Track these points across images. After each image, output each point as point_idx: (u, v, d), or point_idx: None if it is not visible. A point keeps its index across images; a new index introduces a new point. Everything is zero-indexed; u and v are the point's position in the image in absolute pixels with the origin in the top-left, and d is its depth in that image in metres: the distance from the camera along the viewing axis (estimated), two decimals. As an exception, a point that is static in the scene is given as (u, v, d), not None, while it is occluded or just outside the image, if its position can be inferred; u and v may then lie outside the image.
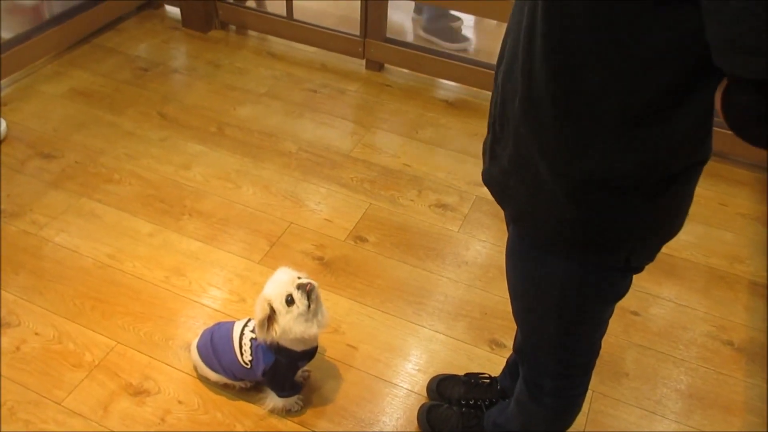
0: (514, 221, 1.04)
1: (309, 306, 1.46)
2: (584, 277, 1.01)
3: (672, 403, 1.74)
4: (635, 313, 1.95)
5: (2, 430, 1.58)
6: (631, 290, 1.97)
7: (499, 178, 1.02)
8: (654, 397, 1.75)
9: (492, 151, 1.03)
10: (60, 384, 1.69)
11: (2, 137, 2.44)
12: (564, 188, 0.89)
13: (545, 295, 1.07)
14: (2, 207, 2.18)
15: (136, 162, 2.40)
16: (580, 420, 1.68)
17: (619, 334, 1.90)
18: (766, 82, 0.62)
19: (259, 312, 1.46)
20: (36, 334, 1.80)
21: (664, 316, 1.96)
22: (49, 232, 2.11)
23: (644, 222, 0.92)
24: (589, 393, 1.74)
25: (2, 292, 1.90)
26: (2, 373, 1.70)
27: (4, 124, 2.46)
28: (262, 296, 1.48)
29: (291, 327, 1.46)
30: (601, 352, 1.84)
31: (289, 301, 1.45)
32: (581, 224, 0.92)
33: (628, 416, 1.71)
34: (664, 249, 2.24)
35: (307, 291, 1.46)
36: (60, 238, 2.09)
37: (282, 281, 1.48)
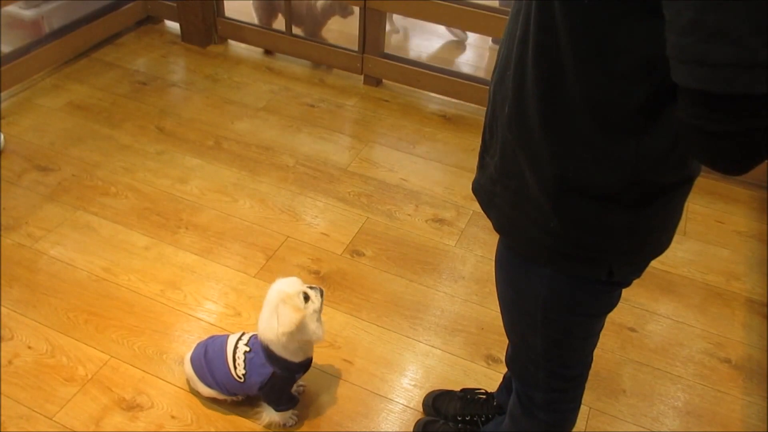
0: (498, 231, 1.04)
1: (321, 304, 1.52)
2: (567, 289, 1.00)
3: (669, 421, 1.73)
4: (632, 330, 1.95)
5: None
6: (627, 306, 1.99)
7: (487, 187, 1.02)
8: (651, 414, 1.74)
9: (482, 159, 1.04)
10: (52, 398, 1.67)
11: (-1, 150, 2.45)
12: (547, 197, 0.89)
13: (530, 307, 1.07)
14: (-2, 219, 2.18)
15: (132, 175, 2.40)
16: (576, 437, 1.66)
17: (615, 350, 1.89)
18: (709, 94, 0.63)
19: (293, 312, 1.44)
20: (29, 347, 1.79)
21: (661, 333, 1.95)
22: (44, 245, 2.10)
23: (626, 236, 0.92)
24: (585, 409, 1.73)
25: (-4, 304, 1.89)
26: (-6, 387, 1.68)
27: (1, 137, 2.46)
28: (286, 294, 1.47)
29: (307, 323, 1.48)
30: (598, 368, 1.84)
31: (306, 297, 1.49)
32: (563, 235, 0.92)
33: (626, 433, 1.69)
34: (661, 265, 2.26)
35: (320, 291, 1.53)
36: (55, 251, 2.08)
37: (291, 282, 1.52)
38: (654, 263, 2.27)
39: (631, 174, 0.84)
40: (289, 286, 1.50)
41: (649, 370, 1.85)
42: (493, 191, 1.00)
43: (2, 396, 1.66)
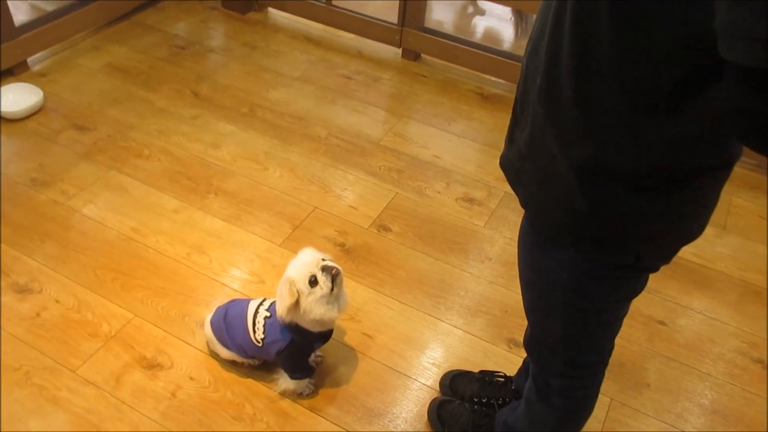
0: (524, 206, 1.02)
1: (332, 289, 1.46)
2: (591, 272, 0.97)
3: (694, 418, 1.68)
4: (662, 323, 1.89)
5: (16, 394, 1.60)
6: (659, 298, 1.93)
7: (515, 162, 0.99)
8: (675, 410, 1.69)
9: (511, 134, 1.01)
10: (76, 352, 1.70)
11: (39, 107, 2.48)
12: (575, 176, 0.86)
13: (551, 288, 1.04)
14: (34, 176, 2.21)
15: (166, 138, 2.41)
16: (595, 427, 1.63)
17: (643, 343, 1.84)
18: (757, 71, 0.59)
19: (288, 296, 1.44)
20: (57, 301, 1.82)
21: (692, 328, 1.89)
22: (77, 202, 2.13)
23: (655, 221, 0.88)
24: (607, 400, 1.69)
25: (27, 258, 1.93)
26: (21, 338, 1.72)
27: (41, 94, 2.50)
28: (287, 278, 1.47)
29: (312, 308, 1.45)
30: (623, 359, 1.79)
31: (312, 282, 1.45)
32: (590, 217, 0.89)
33: (647, 428, 1.65)
34: (697, 259, 2.18)
35: (333, 275, 1.46)
36: (87, 210, 2.11)
37: (306, 262, 1.47)
38: (690, 256, 2.19)
39: (664, 157, 0.80)
40: (298, 269, 1.46)
41: (677, 365, 1.80)
42: (521, 167, 0.97)
43: (29, 347, 1.70)
